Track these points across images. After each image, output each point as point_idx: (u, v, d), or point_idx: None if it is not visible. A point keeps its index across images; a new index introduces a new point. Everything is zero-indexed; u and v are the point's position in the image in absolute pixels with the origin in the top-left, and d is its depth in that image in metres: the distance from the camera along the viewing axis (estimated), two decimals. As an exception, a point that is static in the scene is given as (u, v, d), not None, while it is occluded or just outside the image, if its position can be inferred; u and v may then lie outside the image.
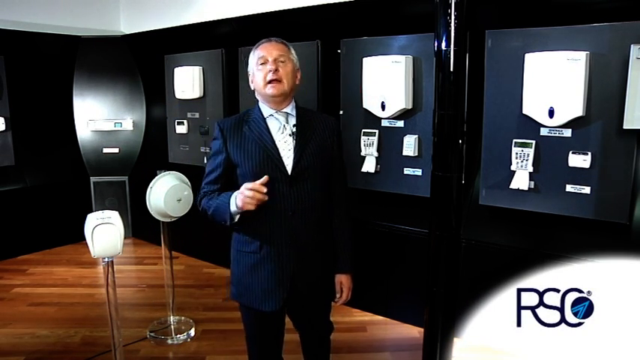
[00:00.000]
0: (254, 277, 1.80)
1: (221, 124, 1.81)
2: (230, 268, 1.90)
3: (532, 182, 2.60)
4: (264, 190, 1.62)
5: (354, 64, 3.16)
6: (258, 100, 1.84)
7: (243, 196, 1.62)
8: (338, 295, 1.94)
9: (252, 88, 1.83)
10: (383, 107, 3.02)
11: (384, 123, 3.11)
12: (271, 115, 1.79)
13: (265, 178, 1.64)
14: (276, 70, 1.73)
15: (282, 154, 1.75)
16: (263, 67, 1.75)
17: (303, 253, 1.79)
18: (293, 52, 1.82)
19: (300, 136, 1.78)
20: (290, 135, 1.78)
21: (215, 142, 1.82)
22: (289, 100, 1.81)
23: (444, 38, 1.82)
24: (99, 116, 4.95)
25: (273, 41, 1.79)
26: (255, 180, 1.66)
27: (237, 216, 1.71)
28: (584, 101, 2.38)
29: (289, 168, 1.74)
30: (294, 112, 1.81)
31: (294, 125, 1.79)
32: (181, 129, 4.37)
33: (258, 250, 1.78)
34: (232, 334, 3.05)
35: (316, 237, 1.83)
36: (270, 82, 1.74)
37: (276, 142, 1.76)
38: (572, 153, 2.45)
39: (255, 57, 1.78)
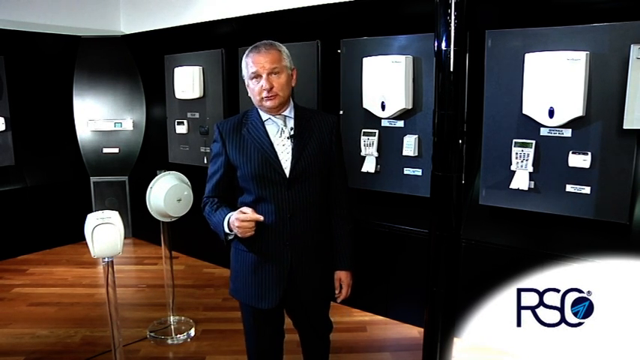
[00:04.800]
0: (252, 275, 1.82)
1: (220, 127, 1.81)
2: (230, 264, 1.92)
3: (532, 182, 2.59)
4: (259, 219, 1.65)
5: (354, 64, 3.16)
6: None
7: (240, 228, 1.66)
8: (337, 292, 1.94)
9: (249, 94, 1.80)
10: (383, 107, 3.02)
11: (384, 123, 3.11)
12: (269, 118, 1.79)
13: (260, 217, 1.67)
14: (270, 88, 1.71)
15: (280, 158, 1.76)
16: (256, 80, 1.72)
17: (301, 252, 1.81)
18: (285, 53, 1.76)
19: (298, 138, 1.77)
20: (288, 138, 1.78)
21: (215, 144, 1.83)
22: (287, 104, 1.80)
23: (444, 38, 1.82)
24: (99, 116, 4.95)
25: (263, 51, 1.72)
26: (254, 182, 1.74)
27: (232, 235, 1.74)
28: (584, 101, 2.38)
29: (287, 171, 1.75)
30: (292, 115, 1.81)
31: (291, 128, 1.79)
32: (181, 129, 4.37)
33: (256, 249, 1.79)
34: (232, 334, 3.05)
35: (315, 237, 1.84)
36: (265, 96, 1.72)
37: (275, 146, 1.76)
38: (572, 153, 2.45)
39: (247, 69, 1.74)
